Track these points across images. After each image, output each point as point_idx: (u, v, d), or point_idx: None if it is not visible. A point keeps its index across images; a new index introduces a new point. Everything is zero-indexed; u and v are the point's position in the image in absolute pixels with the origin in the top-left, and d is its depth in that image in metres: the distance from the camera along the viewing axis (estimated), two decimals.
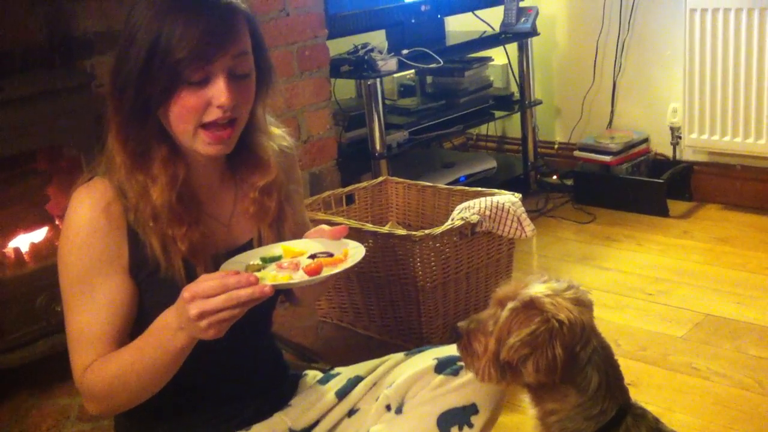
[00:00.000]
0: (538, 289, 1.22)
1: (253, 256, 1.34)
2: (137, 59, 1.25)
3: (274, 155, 1.44)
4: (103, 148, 1.34)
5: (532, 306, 1.20)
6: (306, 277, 1.27)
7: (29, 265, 2.20)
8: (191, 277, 1.31)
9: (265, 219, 1.43)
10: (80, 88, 2.22)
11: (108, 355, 1.30)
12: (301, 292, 1.51)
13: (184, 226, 1.32)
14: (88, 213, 1.30)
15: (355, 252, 1.34)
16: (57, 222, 2.29)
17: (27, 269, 2.19)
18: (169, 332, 1.22)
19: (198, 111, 1.27)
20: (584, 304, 1.24)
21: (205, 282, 1.17)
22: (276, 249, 1.37)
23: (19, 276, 2.16)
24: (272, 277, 1.27)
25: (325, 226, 1.42)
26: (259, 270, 1.30)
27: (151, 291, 1.34)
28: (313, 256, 1.34)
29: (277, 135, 1.49)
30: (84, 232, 1.30)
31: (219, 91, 1.26)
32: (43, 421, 2.11)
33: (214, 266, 1.34)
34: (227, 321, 1.18)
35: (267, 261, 1.33)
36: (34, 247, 2.23)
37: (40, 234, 2.26)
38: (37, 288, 2.15)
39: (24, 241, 2.23)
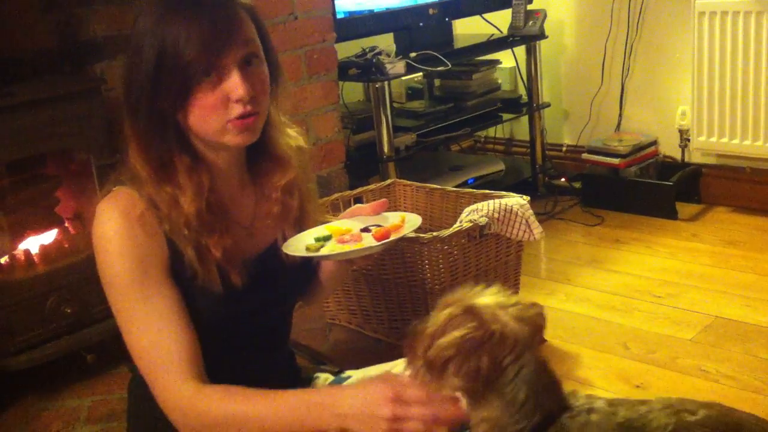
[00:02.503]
0: (482, 298, 1.23)
1: (306, 238, 1.37)
2: (147, 69, 1.25)
3: (292, 153, 1.45)
4: (124, 162, 1.32)
5: (469, 312, 1.19)
6: (376, 243, 1.31)
7: (39, 268, 2.21)
8: (226, 283, 1.31)
9: (288, 218, 1.44)
10: (90, 93, 2.24)
11: (237, 391, 1.24)
12: (332, 276, 1.53)
13: (215, 234, 1.31)
14: (120, 221, 1.27)
15: (412, 218, 1.38)
16: (67, 224, 2.31)
17: (37, 272, 2.20)
18: (329, 414, 1.18)
19: (218, 108, 1.26)
20: (526, 322, 1.22)
21: (414, 391, 1.16)
22: (323, 231, 1.40)
23: (29, 278, 2.17)
24: (341, 247, 1.32)
25: (361, 205, 1.46)
26: (318, 249, 1.33)
27: (189, 298, 1.32)
28: (365, 230, 1.37)
29: (292, 135, 1.49)
30: (119, 239, 1.26)
31: (234, 84, 1.25)
32: (53, 423, 2.11)
33: (246, 271, 1.34)
34: None
35: (321, 240, 1.37)
36: (44, 250, 2.24)
37: (49, 236, 2.27)
38: (47, 290, 2.17)
39: (34, 244, 2.24)
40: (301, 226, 1.45)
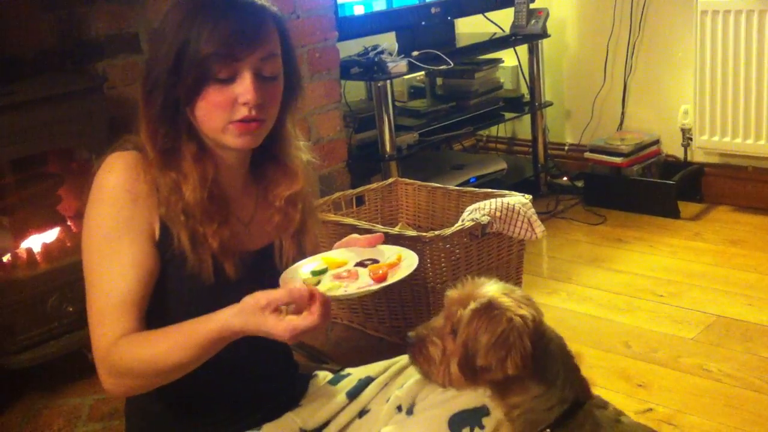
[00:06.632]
0: (492, 289, 1.24)
1: (302, 271, 1.36)
2: (167, 58, 1.28)
3: (302, 167, 1.46)
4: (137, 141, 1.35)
5: (493, 307, 1.21)
6: (376, 285, 1.29)
7: (41, 266, 2.21)
8: (219, 273, 1.32)
9: (288, 229, 1.45)
10: (92, 91, 2.24)
11: (140, 335, 1.27)
12: None
13: (215, 224, 1.33)
14: (123, 176, 1.30)
15: (409, 256, 1.36)
16: (69, 223, 2.31)
17: (39, 270, 2.20)
18: (221, 317, 1.21)
19: (225, 108, 1.29)
20: (532, 302, 1.26)
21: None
22: (318, 262, 1.39)
23: (30, 277, 2.17)
24: (339, 285, 1.30)
25: (356, 236, 1.45)
26: (316, 284, 1.31)
27: (175, 281, 1.34)
28: (361, 264, 1.36)
29: (301, 148, 1.50)
30: (114, 193, 1.29)
31: (245, 88, 1.28)
32: (55, 421, 2.12)
33: (241, 264, 1.35)
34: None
35: (317, 274, 1.35)
36: (46, 248, 2.24)
37: (51, 235, 2.27)
38: (49, 289, 2.17)
39: (36, 243, 2.24)
40: (300, 238, 1.46)
